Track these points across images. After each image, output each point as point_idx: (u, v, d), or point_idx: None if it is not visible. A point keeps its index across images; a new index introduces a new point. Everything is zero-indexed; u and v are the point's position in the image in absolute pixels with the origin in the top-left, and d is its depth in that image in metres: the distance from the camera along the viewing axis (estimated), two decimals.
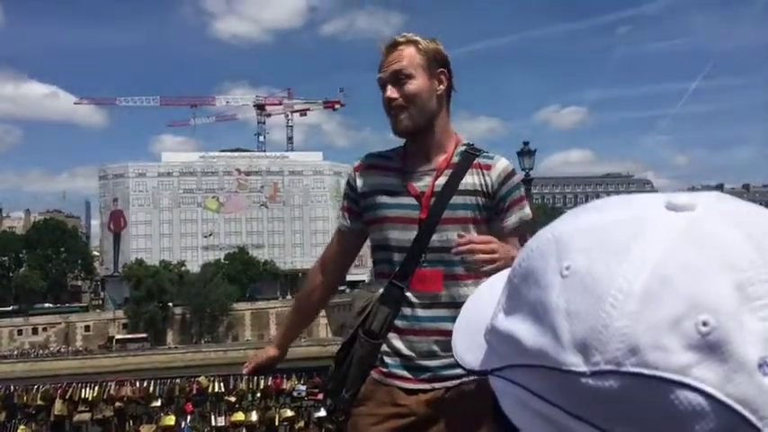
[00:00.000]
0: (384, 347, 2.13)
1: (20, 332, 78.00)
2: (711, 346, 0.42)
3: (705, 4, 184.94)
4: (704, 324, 0.43)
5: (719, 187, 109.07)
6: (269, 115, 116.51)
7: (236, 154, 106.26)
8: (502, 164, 2.17)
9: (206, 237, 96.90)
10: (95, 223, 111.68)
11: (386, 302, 2.12)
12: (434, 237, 2.09)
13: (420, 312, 2.10)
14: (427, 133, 2.15)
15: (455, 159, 2.15)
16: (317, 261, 2.44)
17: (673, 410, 0.42)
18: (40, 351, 69.93)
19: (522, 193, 2.20)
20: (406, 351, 2.11)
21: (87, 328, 79.34)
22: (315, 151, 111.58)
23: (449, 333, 2.39)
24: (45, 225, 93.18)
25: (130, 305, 78.14)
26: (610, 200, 0.53)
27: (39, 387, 2.75)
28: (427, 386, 2.09)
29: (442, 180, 2.12)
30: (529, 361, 0.47)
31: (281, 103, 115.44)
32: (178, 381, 2.66)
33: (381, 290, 2.14)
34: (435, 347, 2.09)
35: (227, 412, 3.08)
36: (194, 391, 2.67)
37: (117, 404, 2.70)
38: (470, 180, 2.12)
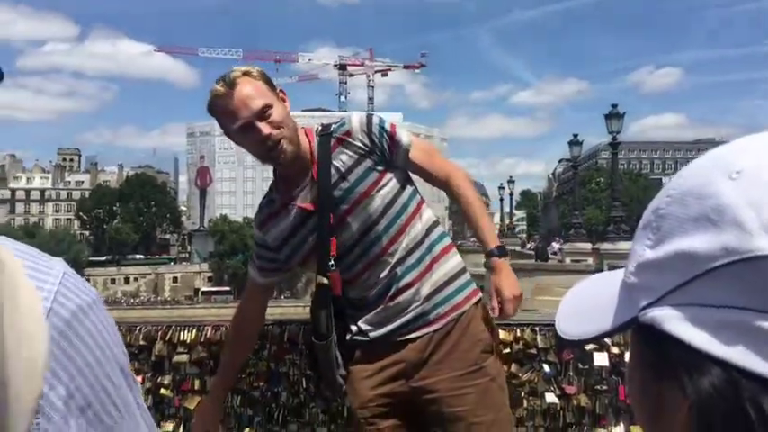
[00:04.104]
0: (361, 324, 2.14)
1: (113, 281, 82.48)
2: None
3: None
4: None
5: None
6: (351, 75, 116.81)
7: (317, 114, 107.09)
8: (355, 120, 2.10)
9: None
10: (183, 179, 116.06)
11: (320, 305, 2.14)
12: (344, 235, 2.08)
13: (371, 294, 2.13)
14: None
15: (317, 153, 2.09)
16: (236, 316, 2.38)
17: None
18: (131, 300, 73.67)
19: (387, 126, 2.11)
20: (379, 319, 2.13)
21: (175, 279, 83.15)
22: (396, 112, 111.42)
23: (409, 285, 2.13)
24: (137, 180, 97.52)
25: (215, 259, 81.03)
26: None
27: (141, 328, 2.88)
28: (413, 335, 2.11)
29: (322, 183, 2.07)
30: (710, 265, 0.45)
31: (362, 64, 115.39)
32: (270, 327, 2.74)
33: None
34: (403, 304, 2.10)
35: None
36: (285, 339, 2.74)
37: (213, 347, 2.81)
38: (344, 158, 2.07)
